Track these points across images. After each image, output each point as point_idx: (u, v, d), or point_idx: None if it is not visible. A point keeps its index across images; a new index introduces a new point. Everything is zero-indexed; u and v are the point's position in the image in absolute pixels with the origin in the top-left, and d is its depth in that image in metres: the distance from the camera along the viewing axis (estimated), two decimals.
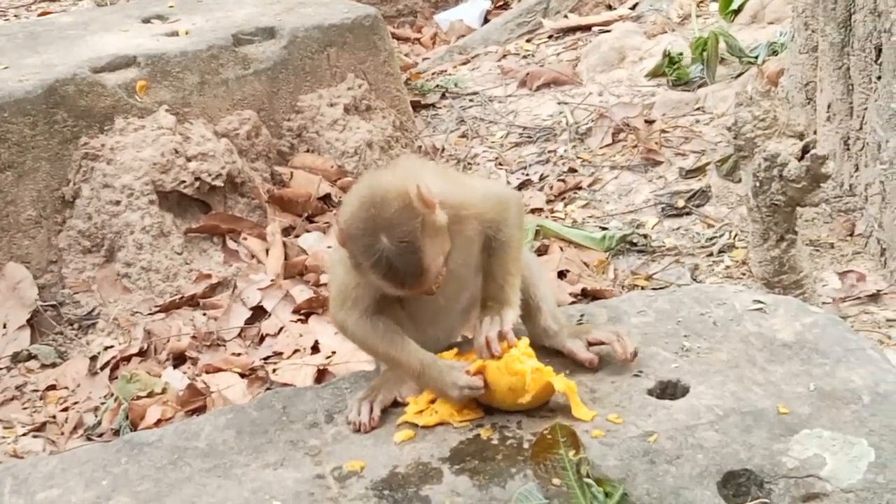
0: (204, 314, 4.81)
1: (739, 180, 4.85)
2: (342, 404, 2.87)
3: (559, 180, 5.62)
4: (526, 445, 2.62)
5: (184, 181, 5.09)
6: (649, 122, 5.87)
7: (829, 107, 4.98)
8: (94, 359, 4.66)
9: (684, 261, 4.88)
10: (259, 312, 4.79)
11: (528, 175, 5.76)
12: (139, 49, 5.38)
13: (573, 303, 4.46)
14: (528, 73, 6.68)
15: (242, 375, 4.44)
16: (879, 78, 4.58)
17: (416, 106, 6.51)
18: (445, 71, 7.14)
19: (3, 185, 4.85)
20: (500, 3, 8.43)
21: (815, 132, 5.09)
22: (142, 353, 4.64)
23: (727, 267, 4.78)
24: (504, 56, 7.17)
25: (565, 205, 5.45)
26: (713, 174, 5.29)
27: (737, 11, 6.58)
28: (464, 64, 7.21)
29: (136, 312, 4.86)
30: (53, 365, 4.67)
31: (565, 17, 7.51)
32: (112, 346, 4.69)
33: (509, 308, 2.80)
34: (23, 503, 2.65)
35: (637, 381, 2.83)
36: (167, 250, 4.99)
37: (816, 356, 2.86)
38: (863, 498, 2.42)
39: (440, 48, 7.87)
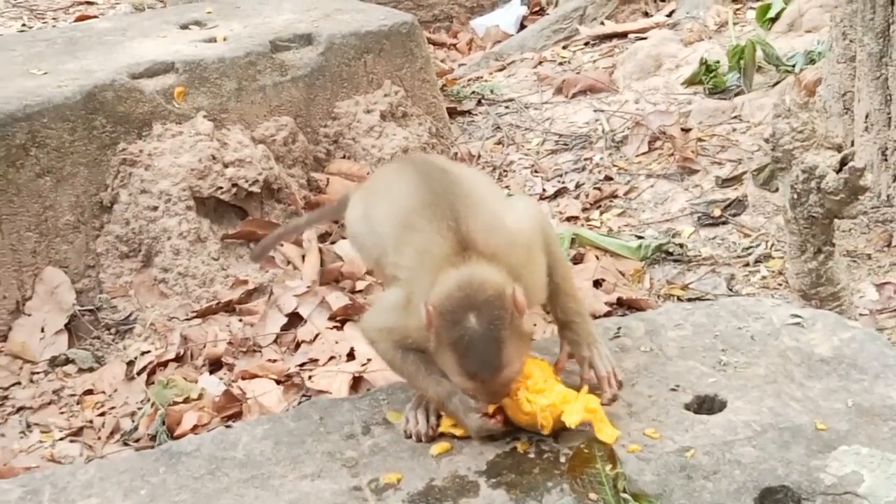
0: (240, 320, 4.83)
1: (776, 189, 4.83)
2: (379, 415, 2.89)
3: (595, 188, 5.61)
4: (562, 459, 2.62)
5: (221, 187, 5.11)
6: (686, 131, 5.85)
7: (866, 117, 4.96)
8: (130, 364, 4.67)
9: (720, 270, 4.87)
10: (295, 319, 4.80)
11: (563, 183, 5.75)
12: (177, 55, 5.40)
13: (608, 313, 4.46)
14: (564, 80, 6.67)
15: (278, 382, 4.44)
16: None
17: (452, 112, 6.52)
18: (481, 77, 7.14)
19: (42, 191, 4.88)
20: (537, 8, 8.42)
21: (852, 142, 5.06)
22: (178, 359, 4.66)
23: (763, 277, 4.77)
24: (540, 62, 7.16)
25: (601, 213, 5.44)
26: (750, 183, 5.27)
27: (774, 19, 6.55)
28: (500, 70, 7.21)
29: (173, 318, 4.88)
30: (90, 369, 4.69)
31: (602, 23, 7.49)
32: (149, 352, 4.71)
33: (602, 340, 2.94)
34: None
35: (674, 396, 2.83)
36: (204, 256, 5.01)
37: (854, 372, 2.85)
38: None
39: (476, 54, 7.86)
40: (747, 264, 4.88)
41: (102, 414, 4.45)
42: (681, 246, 5.03)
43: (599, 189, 5.60)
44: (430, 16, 8.47)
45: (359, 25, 5.85)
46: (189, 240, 4.99)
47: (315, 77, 5.64)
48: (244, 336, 4.70)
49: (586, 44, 7.34)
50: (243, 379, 4.48)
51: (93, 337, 4.84)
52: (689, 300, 4.70)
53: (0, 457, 4.21)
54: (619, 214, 5.40)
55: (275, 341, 4.72)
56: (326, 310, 4.77)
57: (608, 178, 5.68)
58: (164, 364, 4.63)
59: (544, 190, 5.69)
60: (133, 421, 4.37)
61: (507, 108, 6.61)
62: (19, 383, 4.62)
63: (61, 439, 4.33)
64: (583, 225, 5.32)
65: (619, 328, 3.15)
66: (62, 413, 4.48)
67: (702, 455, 2.60)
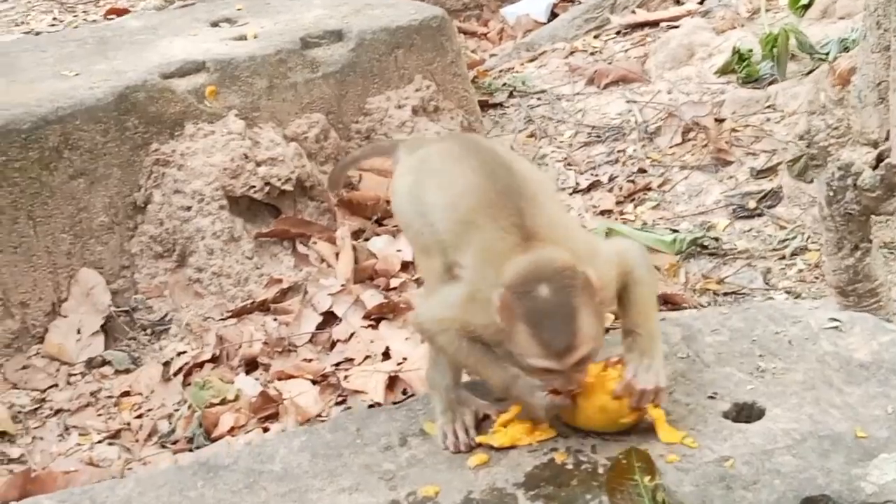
0: (275, 319, 4.83)
1: (811, 180, 4.79)
2: (416, 426, 2.88)
3: (628, 181, 5.58)
4: (601, 470, 2.61)
5: (253, 186, 5.12)
6: (719, 121, 5.80)
7: None
8: (167, 364, 4.69)
9: (756, 264, 4.84)
10: (330, 318, 4.80)
11: (597, 176, 5.72)
12: (208, 54, 5.41)
13: None
14: (595, 71, 6.62)
15: (314, 382, 4.45)
16: None
17: (484, 105, 6.49)
18: (513, 68, 7.10)
19: (75, 192, 4.89)
20: None
21: (887, 133, 5.01)
22: (214, 360, 4.67)
23: (800, 270, 4.74)
24: (571, 53, 7.12)
25: (635, 206, 5.41)
26: (785, 174, 5.23)
27: (807, 6, 6.47)
28: (531, 61, 7.17)
29: (208, 318, 4.89)
30: (127, 371, 4.71)
31: (633, 12, 7.43)
32: (185, 352, 4.72)
33: (658, 357, 2.77)
34: None
35: (712, 404, 2.81)
36: (238, 255, 5.02)
37: (894, 377, 2.83)
38: None
39: (507, 43, 7.82)
40: (783, 257, 4.84)
41: (140, 416, 4.46)
42: (716, 239, 4.99)
43: (633, 182, 5.57)
44: (460, 4, 8.44)
45: (389, 20, 5.84)
46: (223, 239, 5.00)
47: (346, 73, 5.63)
48: (279, 336, 4.71)
49: (618, 33, 7.29)
50: (279, 379, 4.48)
51: (129, 338, 4.86)
52: (725, 294, 4.68)
53: (39, 460, 4.24)
54: (653, 207, 5.37)
55: (310, 340, 4.72)
56: (361, 308, 4.77)
57: (642, 171, 5.65)
58: (201, 365, 4.64)
59: (577, 183, 5.66)
60: (170, 423, 4.38)
61: (539, 99, 6.57)
62: (57, 385, 4.65)
63: (99, 442, 4.34)
64: (617, 219, 5.29)
65: None
66: (100, 415, 4.50)
67: (741, 465, 2.58)
